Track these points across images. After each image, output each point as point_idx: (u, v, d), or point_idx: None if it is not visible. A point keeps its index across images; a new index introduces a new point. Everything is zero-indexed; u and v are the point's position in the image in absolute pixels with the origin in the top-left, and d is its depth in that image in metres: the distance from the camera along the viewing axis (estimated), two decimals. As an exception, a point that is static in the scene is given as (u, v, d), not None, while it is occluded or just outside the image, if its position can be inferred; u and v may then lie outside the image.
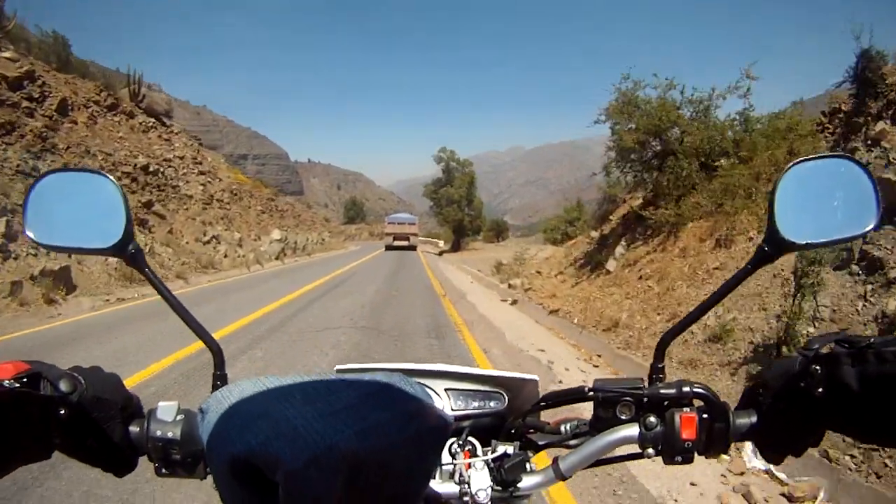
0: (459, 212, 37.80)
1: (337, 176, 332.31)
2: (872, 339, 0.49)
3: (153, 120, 21.79)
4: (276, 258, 24.40)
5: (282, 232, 27.96)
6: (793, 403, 0.54)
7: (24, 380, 0.48)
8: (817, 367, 0.52)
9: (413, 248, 37.12)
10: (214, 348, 0.69)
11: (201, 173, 23.79)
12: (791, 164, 0.62)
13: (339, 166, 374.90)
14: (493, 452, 0.74)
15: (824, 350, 0.53)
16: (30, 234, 0.66)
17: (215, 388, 0.65)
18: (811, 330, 4.58)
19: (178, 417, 0.60)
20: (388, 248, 36.83)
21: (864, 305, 4.48)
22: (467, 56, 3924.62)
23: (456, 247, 37.50)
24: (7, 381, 0.47)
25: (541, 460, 0.76)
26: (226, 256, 20.06)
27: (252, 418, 0.44)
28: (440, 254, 34.18)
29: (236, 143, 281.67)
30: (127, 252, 0.66)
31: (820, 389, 0.52)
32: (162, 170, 19.29)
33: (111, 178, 0.67)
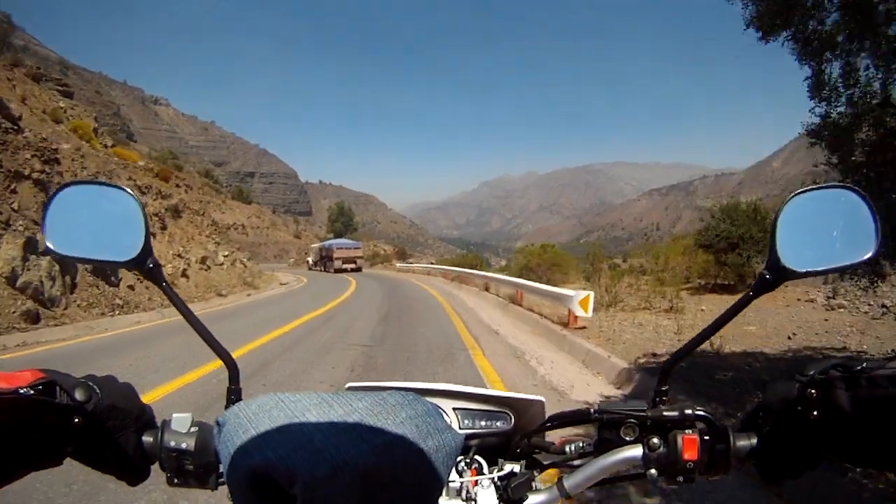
0: None
1: (348, 197, 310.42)
2: (865, 364, 0.49)
3: None
4: None
5: None
6: (791, 426, 0.54)
7: (40, 387, 0.47)
8: (813, 391, 0.52)
9: (359, 269, 37.20)
10: (230, 364, 0.68)
11: None
12: (793, 194, 0.62)
13: (351, 188, 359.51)
14: (499, 471, 0.74)
15: (820, 375, 0.52)
16: (49, 244, 0.65)
17: (230, 402, 0.65)
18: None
19: (193, 429, 0.60)
20: (338, 270, 36.23)
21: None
22: (482, 80, 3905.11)
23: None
24: (23, 389, 0.46)
25: (545, 480, 0.73)
26: None
27: (270, 432, 0.44)
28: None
29: (244, 160, 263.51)
30: (145, 266, 0.66)
31: (815, 413, 0.51)
32: None
33: (131, 192, 0.68)
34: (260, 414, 0.46)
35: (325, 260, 39.42)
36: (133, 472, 0.57)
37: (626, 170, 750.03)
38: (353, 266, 36.92)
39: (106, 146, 21.60)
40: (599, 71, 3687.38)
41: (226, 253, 20.63)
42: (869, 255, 0.60)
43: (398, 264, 39.35)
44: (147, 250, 0.65)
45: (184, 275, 16.04)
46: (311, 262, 44.31)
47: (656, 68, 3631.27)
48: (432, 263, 37.03)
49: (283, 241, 69.53)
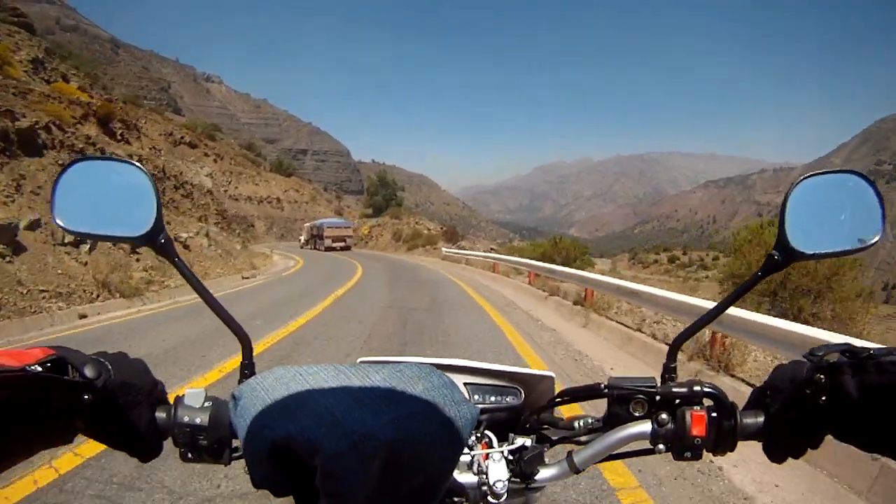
0: None
1: (400, 177, 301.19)
2: (873, 350, 0.49)
3: None
4: None
5: None
6: (798, 409, 0.53)
7: (49, 364, 0.46)
8: (821, 376, 0.51)
9: (348, 248, 36.88)
10: (243, 338, 0.67)
11: None
12: (801, 177, 0.63)
13: (405, 168, 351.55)
14: (510, 445, 0.71)
15: (828, 359, 0.52)
16: (58, 220, 0.64)
17: (243, 377, 0.63)
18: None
19: (206, 404, 0.58)
20: (328, 249, 35.36)
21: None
22: (540, 64, 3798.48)
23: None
24: (31, 366, 0.44)
25: (554, 455, 0.72)
26: None
27: (290, 405, 0.43)
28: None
29: (296, 138, 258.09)
30: (157, 242, 0.64)
31: (823, 397, 0.51)
32: None
33: (142, 167, 0.67)
34: (278, 387, 0.46)
35: (315, 238, 38.89)
36: (145, 448, 0.56)
37: (682, 160, 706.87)
38: (342, 245, 36.74)
39: (48, 81, 20.74)
40: (656, 59, 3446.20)
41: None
42: (875, 239, 0.60)
43: (444, 250, 26.71)
44: (159, 225, 0.64)
45: None
46: (302, 240, 42.45)
47: (714, 58, 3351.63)
48: (493, 250, 24.87)
49: (321, 218, 59.99)
